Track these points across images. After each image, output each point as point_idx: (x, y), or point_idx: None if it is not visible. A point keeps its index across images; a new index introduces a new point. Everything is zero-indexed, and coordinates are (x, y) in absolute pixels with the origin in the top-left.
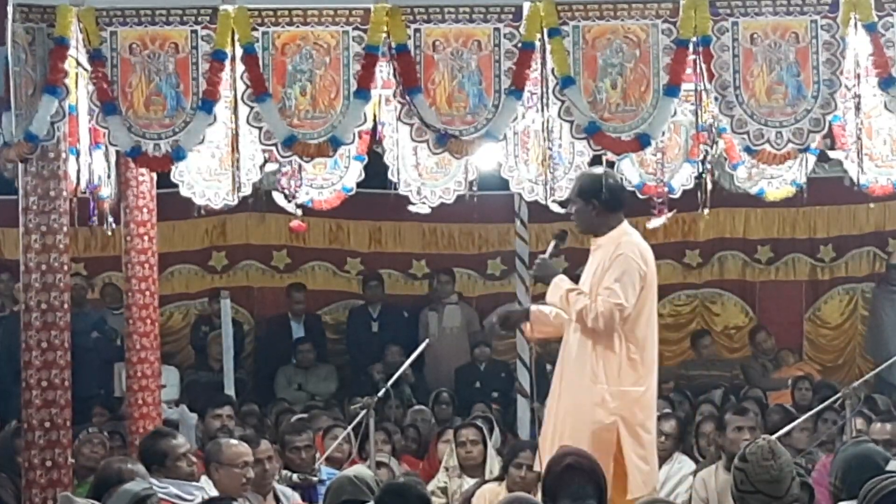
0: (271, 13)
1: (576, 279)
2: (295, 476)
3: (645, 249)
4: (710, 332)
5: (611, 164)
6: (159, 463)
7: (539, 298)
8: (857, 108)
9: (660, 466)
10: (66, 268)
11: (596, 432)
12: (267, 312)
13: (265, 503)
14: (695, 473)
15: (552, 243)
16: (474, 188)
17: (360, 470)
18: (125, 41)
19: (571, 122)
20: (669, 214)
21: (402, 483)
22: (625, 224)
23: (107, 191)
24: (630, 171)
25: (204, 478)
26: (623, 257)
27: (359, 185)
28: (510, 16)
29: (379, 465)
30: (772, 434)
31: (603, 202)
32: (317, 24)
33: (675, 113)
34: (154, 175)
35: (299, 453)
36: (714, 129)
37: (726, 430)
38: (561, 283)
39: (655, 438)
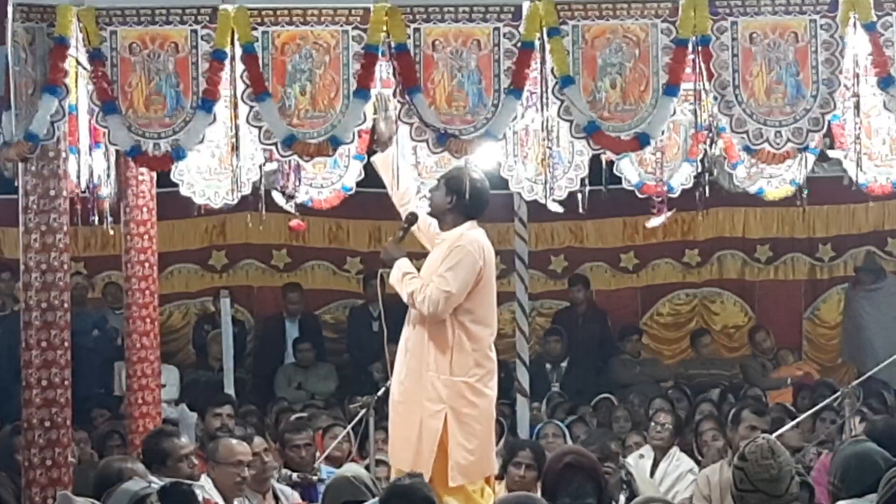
0: (271, 12)
1: None
2: (295, 475)
3: (486, 248)
4: (709, 332)
5: (610, 164)
6: (160, 462)
7: (539, 297)
8: (857, 107)
9: (658, 460)
10: (66, 267)
11: (423, 419)
12: (267, 312)
13: (264, 502)
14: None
15: (404, 229)
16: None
17: (356, 470)
18: (125, 40)
19: (571, 122)
20: (669, 214)
21: (407, 484)
22: (472, 224)
23: (107, 190)
24: (629, 170)
25: (204, 476)
26: (460, 248)
27: (358, 184)
28: (510, 15)
29: (378, 463)
30: (771, 433)
31: (460, 201)
32: (316, 23)
33: (674, 112)
34: (154, 174)
35: (299, 451)
36: (713, 129)
37: (740, 425)
38: (402, 265)
39: (492, 430)
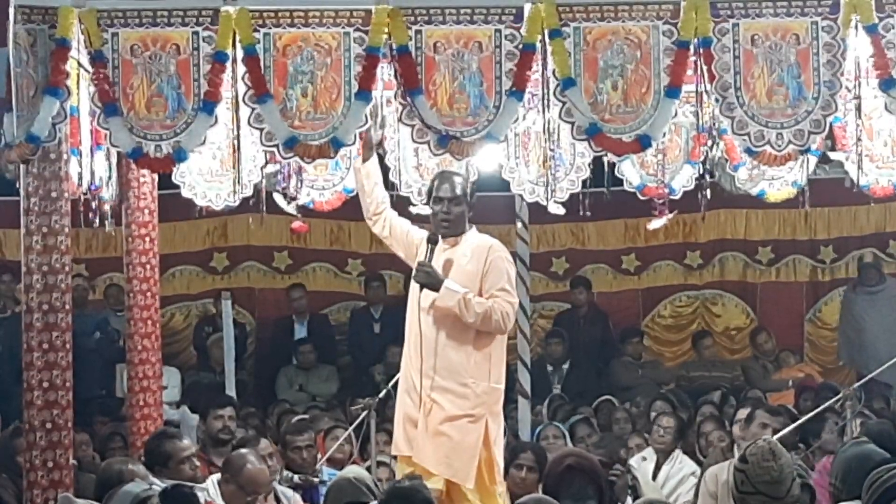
0: (272, 14)
1: None
2: (296, 477)
3: None
4: (710, 334)
5: (612, 166)
6: (162, 464)
7: (540, 298)
8: (858, 109)
9: (660, 463)
10: (67, 269)
11: (465, 425)
12: (268, 313)
13: (266, 503)
14: (703, 472)
15: (428, 248)
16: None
17: (357, 471)
18: (126, 42)
19: (572, 124)
20: (670, 216)
21: (407, 486)
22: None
23: (108, 192)
24: (631, 172)
25: (212, 479)
26: (500, 257)
27: None
28: (511, 17)
29: (379, 464)
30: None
31: (474, 205)
32: (318, 25)
33: (675, 114)
34: (155, 176)
35: (300, 453)
36: (715, 131)
37: (752, 423)
38: (454, 287)
39: None
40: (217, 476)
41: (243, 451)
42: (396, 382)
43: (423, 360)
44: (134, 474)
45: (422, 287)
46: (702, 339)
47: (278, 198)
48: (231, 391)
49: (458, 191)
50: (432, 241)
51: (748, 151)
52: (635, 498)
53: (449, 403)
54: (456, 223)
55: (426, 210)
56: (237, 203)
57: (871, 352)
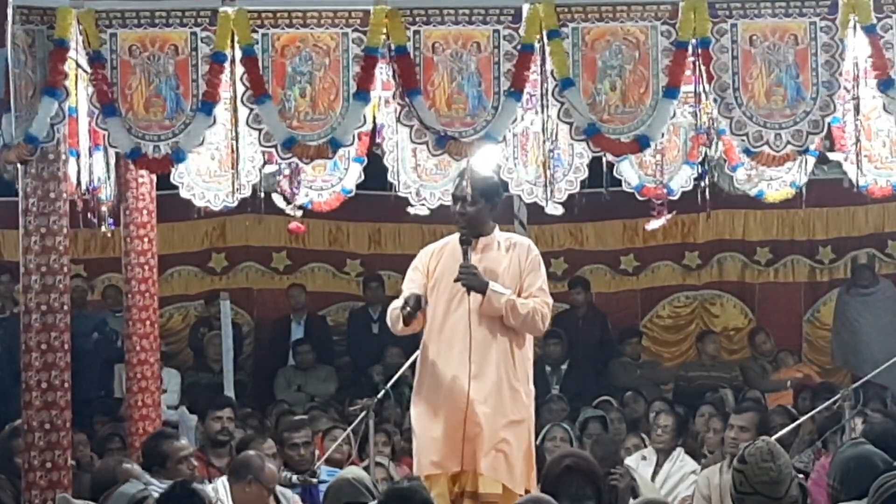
0: (271, 15)
1: None
2: (295, 477)
3: None
4: (714, 334)
5: (610, 166)
6: (160, 464)
7: None
8: (857, 109)
9: (661, 462)
10: (65, 269)
11: (519, 429)
12: (267, 314)
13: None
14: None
15: (463, 249)
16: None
17: (356, 472)
18: (125, 43)
19: (571, 124)
20: (669, 216)
21: (406, 487)
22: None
23: (106, 192)
24: (629, 172)
25: (221, 480)
26: (538, 259)
27: (358, 186)
28: (509, 17)
29: (377, 465)
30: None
31: (498, 204)
32: (316, 25)
33: (674, 115)
34: (154, 177)
35: (298, 450)
36: (713, 131)
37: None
38: (499, 289)
39: None
40: (224, 479)
41: (254, 452)
42: (395, 383)
43: (472, 366)
44: (129, 474)
45: (468, 290)
46: (705, 338)
47: (277, 198)
48: (230, 392)
49: (478, 191)
50: (466, 243)
51: (746, 152)
52: (635, 498)
53: (504, 408)
54: (472, 223)
55: (423, 210)
56: (235, 203)
57: (865, 354)
